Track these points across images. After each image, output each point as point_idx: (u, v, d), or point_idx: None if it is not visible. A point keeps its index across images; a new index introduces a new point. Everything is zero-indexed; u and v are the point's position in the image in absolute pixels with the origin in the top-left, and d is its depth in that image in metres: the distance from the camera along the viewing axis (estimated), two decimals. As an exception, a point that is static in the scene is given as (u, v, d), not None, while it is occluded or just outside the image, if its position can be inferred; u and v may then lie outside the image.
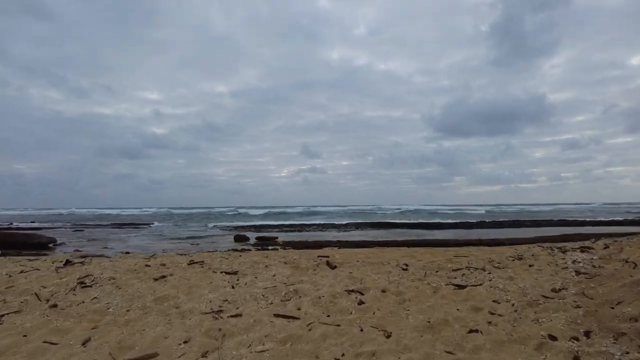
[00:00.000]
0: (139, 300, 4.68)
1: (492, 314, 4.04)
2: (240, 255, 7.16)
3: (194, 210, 75.85)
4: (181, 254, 7.60)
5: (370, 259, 6.70)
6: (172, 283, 5.26)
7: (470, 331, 3.66)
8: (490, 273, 5.70)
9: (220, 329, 3.85)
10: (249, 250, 15.51)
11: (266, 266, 6.11)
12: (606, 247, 7.30)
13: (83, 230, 33.23)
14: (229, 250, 15.40)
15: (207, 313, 4.30)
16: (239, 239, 23.45)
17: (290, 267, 6.08)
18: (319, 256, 6.78)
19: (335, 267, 6.00)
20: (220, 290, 4.96)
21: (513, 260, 6.61)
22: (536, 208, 77.31)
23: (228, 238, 24.81)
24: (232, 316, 4.17)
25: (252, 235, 25.20)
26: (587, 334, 3.49)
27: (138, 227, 36.49)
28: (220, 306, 4.49)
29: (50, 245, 18.83)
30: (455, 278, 5.49)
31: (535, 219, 38.76)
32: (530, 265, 6.13)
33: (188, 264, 6.29)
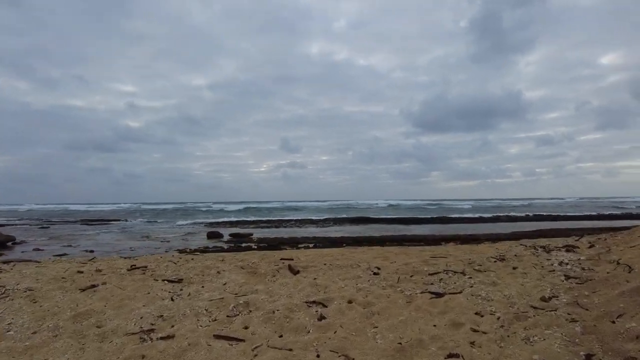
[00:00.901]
0: (52, 318, 3.84)
1: (475, 331, 3.40)
2: (192, 259, 6.31)
3: (169, 206, 73.92)
4: (126, 257, 6.70)
5: (338, 261, 6.00)
6: (102, 294, 4.42)
7: (450, 356, 3.00)
8: (471, 277, 5.08)
9: (143, 357, 3.08)
10: (219, 249, 14.64)
11: (218, 272, 5.31)
12: (591, 245, 6.83)
13: (49, 227, 31.62)
14: (186, 252, 14.47)
15: (133, 333, 3.51)
16: (212, 235, 22.55)
17: (247, 272, 5.31)
18: (281, 259, 6.03)
19: (298, 272, 5.27)
20: (156, 303, 4.16)
21: (495, 261, 6.04)
22: (517, 202, 78.73)
23: (201, 235, 23.92)
24: (162, 338, 3.40)
25: (227, 232, 24.37)
26: (589, 358, 2.88)
27: (108, 224, 35.01)
28: (152, 324, 3.70)
29: (9, 244, 17.66)
30: (432, 284, 4.85)
31: (512, 213, 39.15)
32: (514, 268, 5.56)
33: (128, 270, 5.43)
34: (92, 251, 17.14)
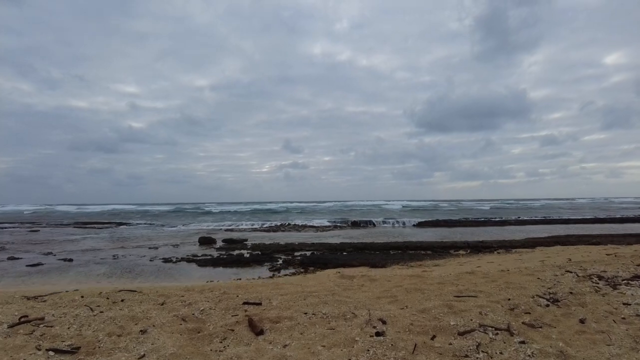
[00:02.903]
0: None
1: None
2: (122, 301, 4.42)
3: (169, 207, 72.53)
4: (30, 298, 4.85)
5: (326, 307, 4.19)
6: None
7: None
8: (523, 342, 3.31)
9: None
10: (208, 257, 12.92)
11: (142, 331, 3.52)
12: (672, 277, 5.04)
13: (39, 231, 30.38)
14: (171, 261, 12.61)
15: None
16: (204, 241, 21.34)
17: (186, 331, 3.54)
18: (244, 303, 4.23)
19: (261, 331, 3.51)
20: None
21: (547, 305, 4.25)
22: (522, 203, 76.74)
23: (194, 240, 22.76)
24: None
25: (223, 236, 23.15)
26: None
27: (101, 227, 33.66)
28: None
29: (-14, 251, 16.53)
30: (466, 357, 3.08)
31: (522, 217, 37.23)
32: (581, 321, 3.78)
33: (10, 327, 3.61)
34: (70, 260, 15.63)
